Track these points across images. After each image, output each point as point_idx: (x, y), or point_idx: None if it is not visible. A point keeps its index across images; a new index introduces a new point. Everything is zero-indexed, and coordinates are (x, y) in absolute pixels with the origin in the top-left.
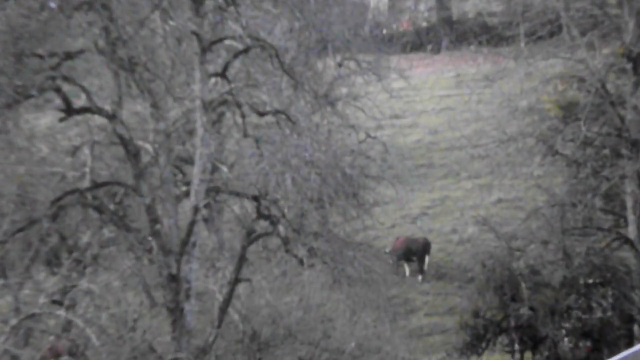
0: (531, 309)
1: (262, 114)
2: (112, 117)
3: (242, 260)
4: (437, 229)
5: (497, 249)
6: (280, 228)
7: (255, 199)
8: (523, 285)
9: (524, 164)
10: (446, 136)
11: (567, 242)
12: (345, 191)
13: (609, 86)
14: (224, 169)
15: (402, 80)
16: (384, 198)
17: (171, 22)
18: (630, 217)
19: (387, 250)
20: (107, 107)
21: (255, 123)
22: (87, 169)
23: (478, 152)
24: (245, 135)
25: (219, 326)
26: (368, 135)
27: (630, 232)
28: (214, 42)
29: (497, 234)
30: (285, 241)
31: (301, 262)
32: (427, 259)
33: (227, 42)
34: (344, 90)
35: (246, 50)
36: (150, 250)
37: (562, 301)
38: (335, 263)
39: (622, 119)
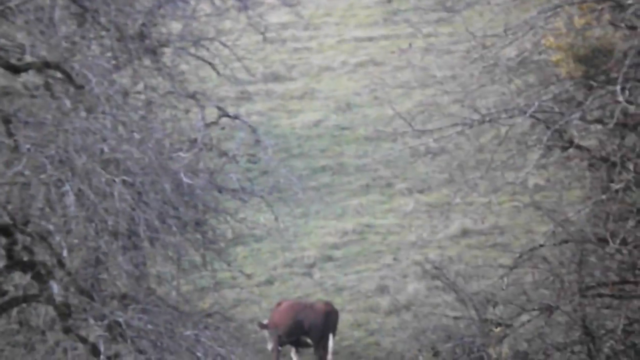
0: None
1: (15, 69)
2: None
3: None
4: (351, 285)
5: (461, 322)
6: (54, 286)
7: (4, 230)
8: None
9: (510, 165)
10: (368, 115)
11: (589, 311)
12: (181, 216)
13: None
14: None
15: (288, 9)
16: (253, 230)
17: None
18: None
19: (266, 322)
20: None
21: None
22: None
23: (426, 144)
24: None
25: None
26: (223, 113)
27: None
28: None
29: (460, 294)
30: (64, 311)
31: (95, 350)
32: (331, 341)
33: None
34: (175, 27)
35: None
36: None
37: None
38: (160, 352)
39: None
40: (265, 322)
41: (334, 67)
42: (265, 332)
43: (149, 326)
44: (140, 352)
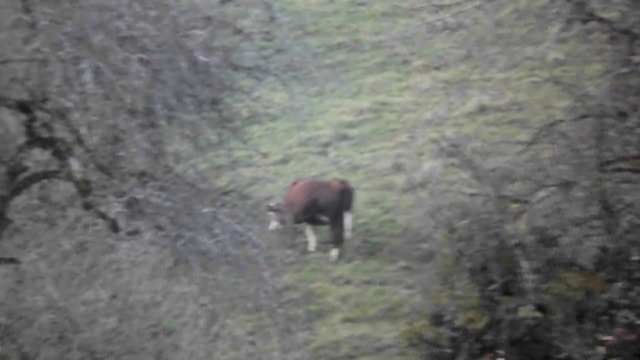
0: (540, 308)
1: None
2: None
3: (0, 224)
4: (366, 164)
5: (477, 199)
6: (73, 163)
7: (24, 106)
8: (525, 265)
9: (529, 39)
10: None
11: (607, 186)
12: (197, 95)
13: None
14: None
15: None
16: (268, 108)
17: None
18: None
19: (273, 204)
20: None
21: None
22: None
23: (443, 19)
24: None
25: None
26: None
27: None
28: None
29: (476, 171)
30: (84, 188)
31: (114, 226)
32: (348, 218)
33: None
34: None
35: None
36: None
37: (599, 295)
38: (178, 228)
39: None
40: (272, 203)
41: None
42: (271, 214)
43: (167, 203)
44: (159, 228)
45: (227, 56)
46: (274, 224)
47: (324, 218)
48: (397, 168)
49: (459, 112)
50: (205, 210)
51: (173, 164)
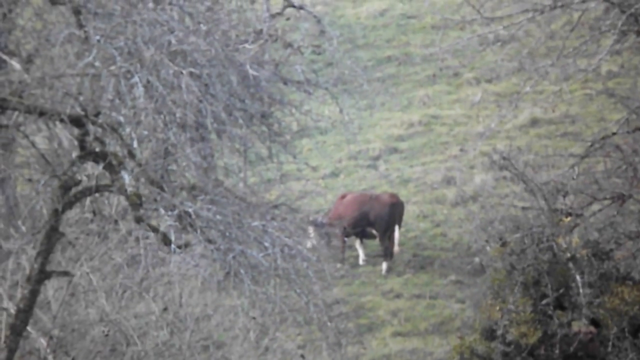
0: (594, 323)
1: None
2: None
3: (51, 237)
4: (417, 177)
5: (530, 213)
6: (125, 177)
7: (77, 121)
8: (579, 279)
9: (583, 51)
10: (435, 2)
11: None
12: (247, 109)
13: None
14: (15, 63)
15: None
16: (318, 122)
17: None
18: None
19: (315, 218)
20: None
21: None
22: None
23: (495, 32)
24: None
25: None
26: (288, 4)
27: None
28: None
29: (528, 184)
30: (135, 201)
31: (165, 239)
32: (397, 233)
33: None
34: None
35: None
36: None
37: None
38: (228, 242)
39: None
40: (314, 217)
41: None
42: (310, 228)
43: (218, 217)
44: (210, 241)
45: (277, 70)
46: (313, 240)
47: (374, 232)
48: (448, 181)
49: (511, 124)
50: (255, 223)
51: (223, 178)
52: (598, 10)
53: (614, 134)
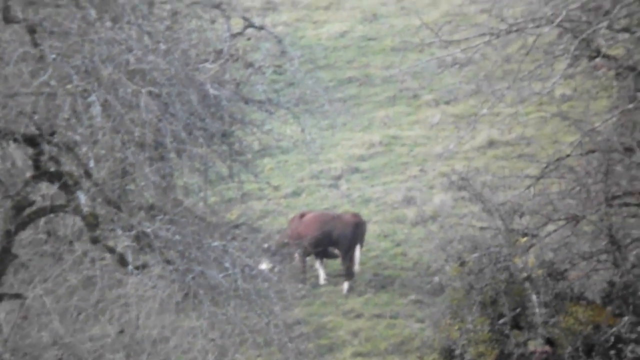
0: (549, 342)
1: None
2: None
3: (4, 259)
4: (377, 197)
5: (487, 232)
6: (81, 197)
7: (31, 140)
8: (535, 298)
9: (537, 75)
10: (394, 25)
11: (615, 220)
12: (208, 128)
13: None
14: None
15: None
16: (279, 141)
17: None
18: None
19: (274, 246)
20: None
21: None
22: None
23: (453, 54)
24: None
25: None
26: (248, 23)
27: None
28: None
29: (486, 205)
30: (91, 222)
31: (122, 260)
32: (358, 252)
33: None
34: None
35: None
36: None
37: (607, 329)
38: (188, 262)
39: None
40: (266, 244)
41: None
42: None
43: (177, 237)
44: (168, 262)
45: (238, 89)
46: (264, 265)
47: (336, 251)
48: (408, 201)
49: (469, 145)
50: (215, 243)
51: (183, 197)
52: (552, 35)
53: (568, 155)
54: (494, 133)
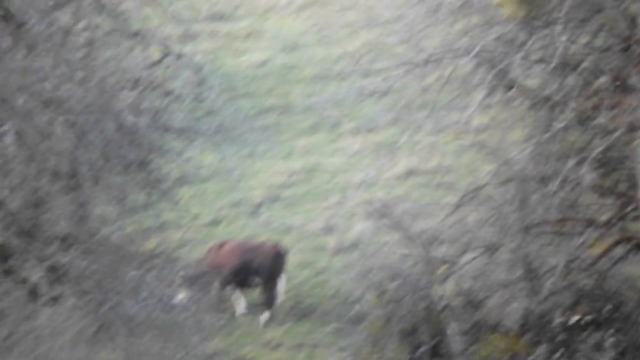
0: None
1: None
2: None
3: None
4: (298, 225)
5: (407, 261)
6: None
7: None
8: (452, 327)
9: (455, 105)
10: (314, 55)
11: (531, 248)
12: (125, 156)
13: None
14: None
15: None
16: (199, 170)
17: None
18: None
19: (192, 273)
20: None
21: None
22: None
23: (373, 84)
24: None
25: None
26: (166, 52)
27: None
28: None
29: (406, 233)
30: (3, 253)
31: (34, 292)
32: (284, 281)
33: None
34: None
35: None
36: None
37: (523, 357)
38: (103, 293)
39: (633, 20)
40: (184, 272)
41: (279, 6)
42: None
43: (92, 267)
44: (84, 292)
45: (157, 117)
46: (182, 295)
47: (256, 281)
48: (329, 229)
49: (389, 174)
50: (132, 273)
51: (99, 227)
52: (469, 66)
53: (485, 184)
54: (414, 161)
